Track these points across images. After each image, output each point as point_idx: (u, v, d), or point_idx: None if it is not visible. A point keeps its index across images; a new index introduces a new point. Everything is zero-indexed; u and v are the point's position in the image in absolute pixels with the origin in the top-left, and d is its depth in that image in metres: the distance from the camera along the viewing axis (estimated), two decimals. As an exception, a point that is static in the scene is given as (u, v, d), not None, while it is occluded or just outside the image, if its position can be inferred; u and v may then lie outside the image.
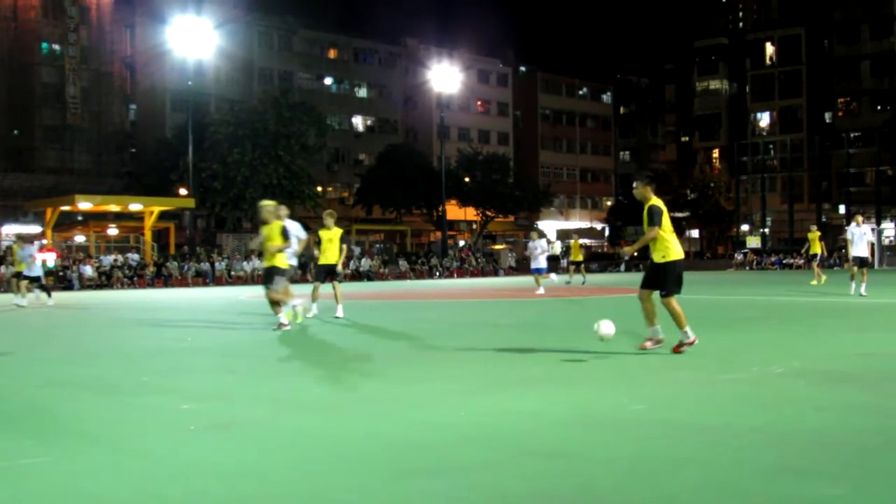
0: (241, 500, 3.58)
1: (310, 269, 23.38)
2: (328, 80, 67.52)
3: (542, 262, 22.70)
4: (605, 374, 6.99)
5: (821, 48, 74.31)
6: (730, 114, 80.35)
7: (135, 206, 42.42)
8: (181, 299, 23.99)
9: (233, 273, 40.65)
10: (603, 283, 30.59)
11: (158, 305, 20.75)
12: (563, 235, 71.22)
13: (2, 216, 46.38)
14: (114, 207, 42.77)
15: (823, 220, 66.55)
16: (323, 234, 13.63)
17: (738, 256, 58.88)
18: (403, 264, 48.81)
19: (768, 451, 4.20)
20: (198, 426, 5.07)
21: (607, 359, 7.71)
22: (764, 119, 78.19)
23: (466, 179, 61.70)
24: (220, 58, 53.37)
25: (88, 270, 36.68)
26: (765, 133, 76.79)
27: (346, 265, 35.44)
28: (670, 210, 9.00)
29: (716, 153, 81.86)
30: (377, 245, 55.03)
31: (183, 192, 46.98)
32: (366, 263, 45.97)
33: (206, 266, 40.41)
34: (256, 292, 19.44)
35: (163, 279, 38.29)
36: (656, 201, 8.06)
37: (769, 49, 77.80)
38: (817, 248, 25.55)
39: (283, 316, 11.51)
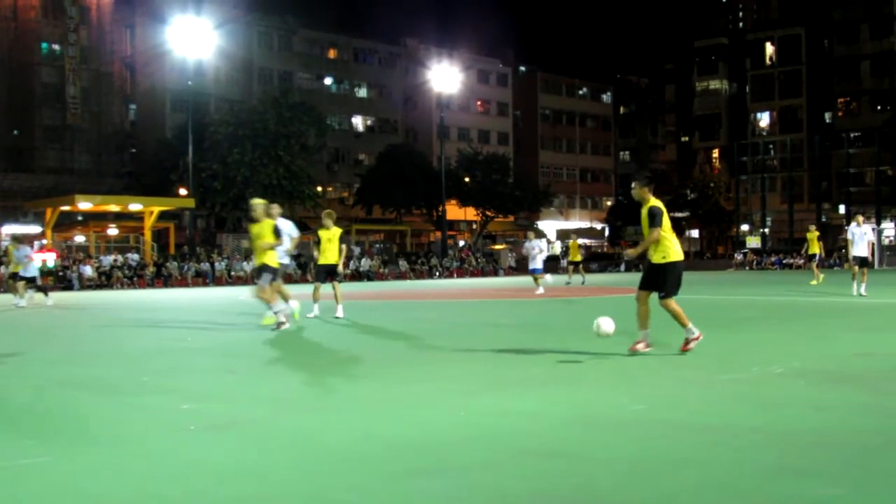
0: (241, 500, 3.58)
1: (310, 269, 23.36)
2: (328, 80, 67.53)
3: (538, 263, 22.78)
4: (605, 374, 6.99)
5: (821, 48, 74.31)
6: (730, 114, 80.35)
7: (135, 207, 42.44)
8: (181, 299, 23.99)
9: (233, 273, 40.66)
10: (603, 283, 30.60)
11: (158, 306, 20.75)
12: (563, 235, 71.28)
13: (2, 216, 46.38)
14: (114, 207, 42.79)
15: (823, 220, 66.57)
16: (322, 234, 13.63)
17: (738, 256, 58.88)
18: (403, 264, 48.81)
19: (768, 451, 4.20)
20: (198, 426, 5.07)
21: (607, 359, 7.70)
22: (764, 119, 78.20)
23: (466, 179, 61.70)
24: (219, 58, 53.39)
25: (88, 270, 36.68)
26: (765, 133, 76.79)
27: (346, 265, 35.44)
28: (670, 210, 8.98)
29: (716, 153, 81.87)
30: (377, 245, 55.03)
31: (183, 192, 46.99)
32: (366, 263, 45.97)
33: (205, 266, 40.42)
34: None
35: (162, 279, 38.30)
36: (656, 202, 7.97)
37: (769, 49, 77.81)
38: (816, 248, 25.57)
39: (282, 315, 11.50)
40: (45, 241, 38.98)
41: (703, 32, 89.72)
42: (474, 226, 68.28)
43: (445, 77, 55.95)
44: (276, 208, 12.35)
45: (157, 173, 50.98)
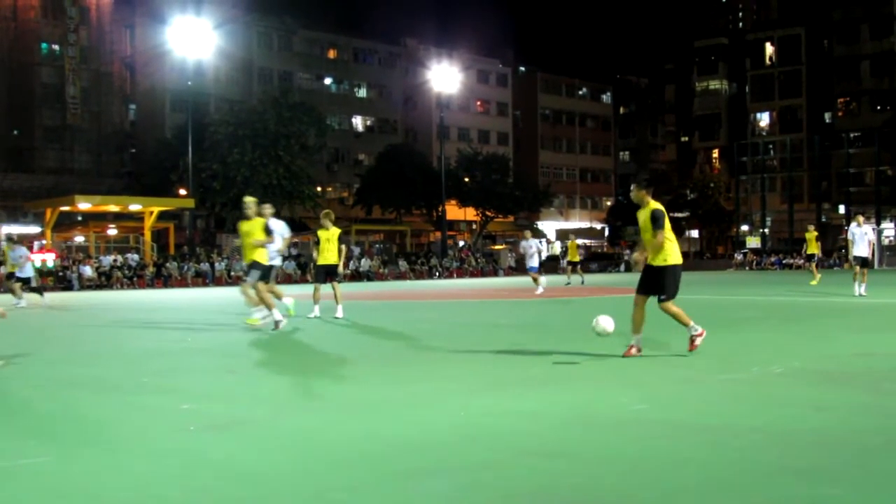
0: (241, 500, 3.58)
1: (310, 269, 23.35)
2: (328, 80, 67.52)
3: (535, 262, 22.84)
4: (605, 374, 6.99)
5: (821, 48, 74.31)
6: (730, 114, 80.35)
7: (134, 207, 42.42)
8: (181, 300, 23.98)
9: (232, 273, 40.60)
10: (602, 284, 30.60)
11: (158, 306, 20.75)
12: (563, 235, 71.18)
13: (2, 216, 46.39)
14: (113, 208, 42.78)
15: (823, 220, 66.58)
16: (321, 234, 13.64)
17: (738, 256, 58.87)
18: (403, 264, 48.79)
19: (768, 451, 4.20)
20: (198, 426, 5.07)
21: (607, 359, 7.70)
22: (764, 119, 78.19)
23: (466, 179, 61.67)
24: (219, 58, 53.39)
25: (88, 271, 36.66)
26: (765, 133, 76.79)
27: (346, 265, 35.42)
28: (670, 210, 8.96)
29: (716, 153, 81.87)
30: (377, 245, 55.01)
31: (182, 192, 46.98)
32: (365, 264, 45.96)
33: (205, 266, 40.40)
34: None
35: (162, 279, 38.29)
36: (657, 205, 7.90)
37: (769, 49, 77.80)
38: (814, 248, 25.59)
39: (278, 313, 11.52)
40: (44, 242, 39.00)
41: (703, 32, 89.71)
42: (474, 226, 68.27)
43: (445, 77, 55.94)
44: (268, 208, 12.37)
45: (157, 173, 50.98)
